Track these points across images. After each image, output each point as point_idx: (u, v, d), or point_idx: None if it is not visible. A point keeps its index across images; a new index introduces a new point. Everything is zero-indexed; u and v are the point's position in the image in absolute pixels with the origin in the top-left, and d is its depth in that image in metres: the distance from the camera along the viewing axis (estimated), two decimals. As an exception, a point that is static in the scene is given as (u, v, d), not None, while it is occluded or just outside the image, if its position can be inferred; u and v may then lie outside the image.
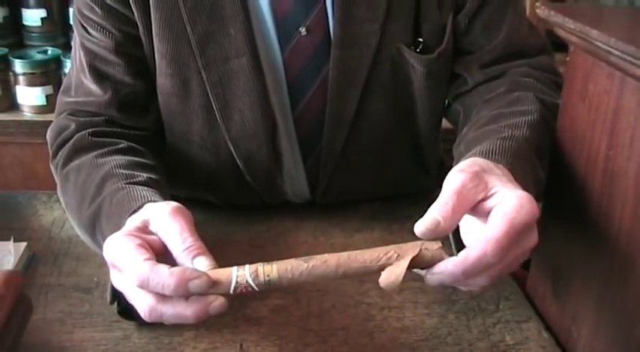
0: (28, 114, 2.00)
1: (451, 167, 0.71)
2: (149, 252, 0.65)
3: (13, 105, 2.03)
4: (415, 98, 1.00)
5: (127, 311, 0.77)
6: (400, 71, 0.97)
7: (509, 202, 0.64)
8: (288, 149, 1.02)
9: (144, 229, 0.70)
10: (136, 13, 0.93)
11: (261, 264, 0.64)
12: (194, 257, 0.66)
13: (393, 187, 1.10)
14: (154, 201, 0.75)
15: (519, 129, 0.80)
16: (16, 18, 2.17)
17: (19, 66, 1.98)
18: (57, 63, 2.03)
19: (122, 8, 0.93)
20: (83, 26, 0.97)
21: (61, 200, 0.95)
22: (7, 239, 0.94)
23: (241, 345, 0.77)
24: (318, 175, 1.03)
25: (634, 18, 0.76)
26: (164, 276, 0.63)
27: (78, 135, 0.94)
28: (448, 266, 0.62)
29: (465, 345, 0.78)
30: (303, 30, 0.94)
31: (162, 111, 0.99)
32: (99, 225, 0.81)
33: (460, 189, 0.65)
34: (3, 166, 2.00)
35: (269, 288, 0.64)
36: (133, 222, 0.72)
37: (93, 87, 0.96)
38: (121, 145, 0.93)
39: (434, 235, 0.63)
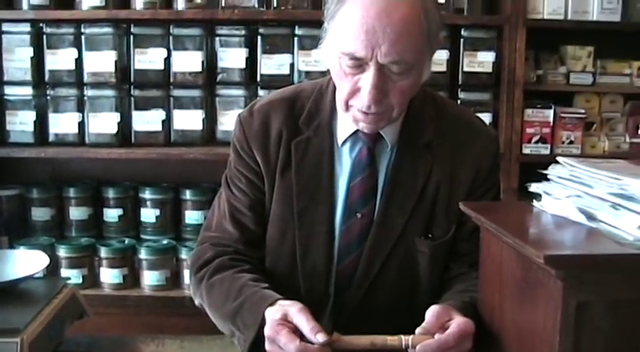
0: (107, 290, 2.53)
1: None
2: (297, 335, 1.19)
3: (96, 283, 2.58)
4: (420, 272, 1.48)
5: None
6: (411, 253, 1.46)
7: (459, 322, 1.19)
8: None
9: (285, 318, 1.22)
10: (267, 188, 1.47)
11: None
12: (316, 333, 1.17)
13: (395, 325, 1.50)
14: (281, 298, 1.29)
15: (470, 296, 1.34)
16: (97, 215, 2.77)
17: (103, 252, 2.54)
18: (132, 250, 2.60)
19: (259, 183, 1.48)
20: (230, 188, 1.51)
21: (204, 300, 1.44)
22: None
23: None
24: (341, 314, 1.47)
25: (509, 207, 1.28)
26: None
27: (219, 259, 1.45)
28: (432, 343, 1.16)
29: None
30: (359, 215, 1.46)
31: (266, 250, 1.50)
32: (240, 315, 1.32)
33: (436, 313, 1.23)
34: (84, 332, 2.47)
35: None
36: (274, 313, 1.24)
37: (229, 228, 1.49)
38: (246, 267, 1.44)
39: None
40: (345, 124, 1.45)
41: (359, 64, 1.31)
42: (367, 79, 1.30)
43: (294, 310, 1.23)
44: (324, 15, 1.37)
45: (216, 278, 1.43)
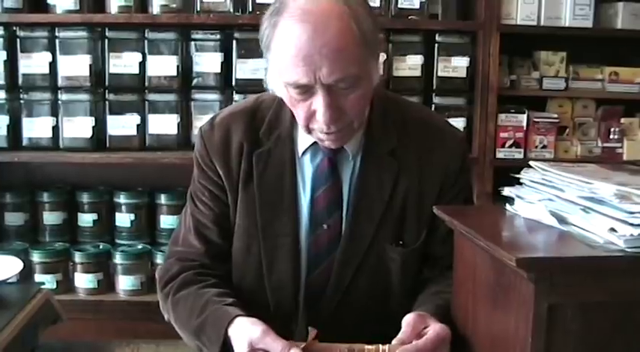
0: (82, 295, 2.51)
1: None
2: None
3: (70, 288, 2.56)
4: (392, 279, 1.48)
5: None
6: (383, 261, 1.46)
7: (436, 328, 1.20)
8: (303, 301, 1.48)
9: (252, 347, 1.21)
10: (230, 201, 1.46)
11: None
12: (289, 351, 1.17)
13: (369, 332, 1.47)
14: (241, 315, 1.28)
15: (444, 298, 1.35)
16: (72, 220, 2.75)
17: (77, 257, 2.52)
18: (107, 255, 2.58)
19: (222, 196, 1.47)
20: (195, 202, 1.50)
21: (171, 315, 1.44)
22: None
23: None
24: (315, 324, 1.46)
25: (483, 211, 1.30)
26: None
27: (185, 274, 1.44)
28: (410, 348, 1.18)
29: None
30: (325, 226, 1.45)
31: (233, 263, 1.49)
32: (203, 332, 1.32)
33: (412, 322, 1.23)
34: (59, 337, 2.45)
35: None
36: (240, 343, 1.24)
37: (195, 242, 1.48)
38: (211, 281, 1.43)
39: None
40: (305, 135, 1.43)
41: (306, 90, 1.30)
42: (319, 102, 1.30)
43: (257, 335, 1.23)
44: (261, 46, 1.36)
45: (181, 295, 1.43)
